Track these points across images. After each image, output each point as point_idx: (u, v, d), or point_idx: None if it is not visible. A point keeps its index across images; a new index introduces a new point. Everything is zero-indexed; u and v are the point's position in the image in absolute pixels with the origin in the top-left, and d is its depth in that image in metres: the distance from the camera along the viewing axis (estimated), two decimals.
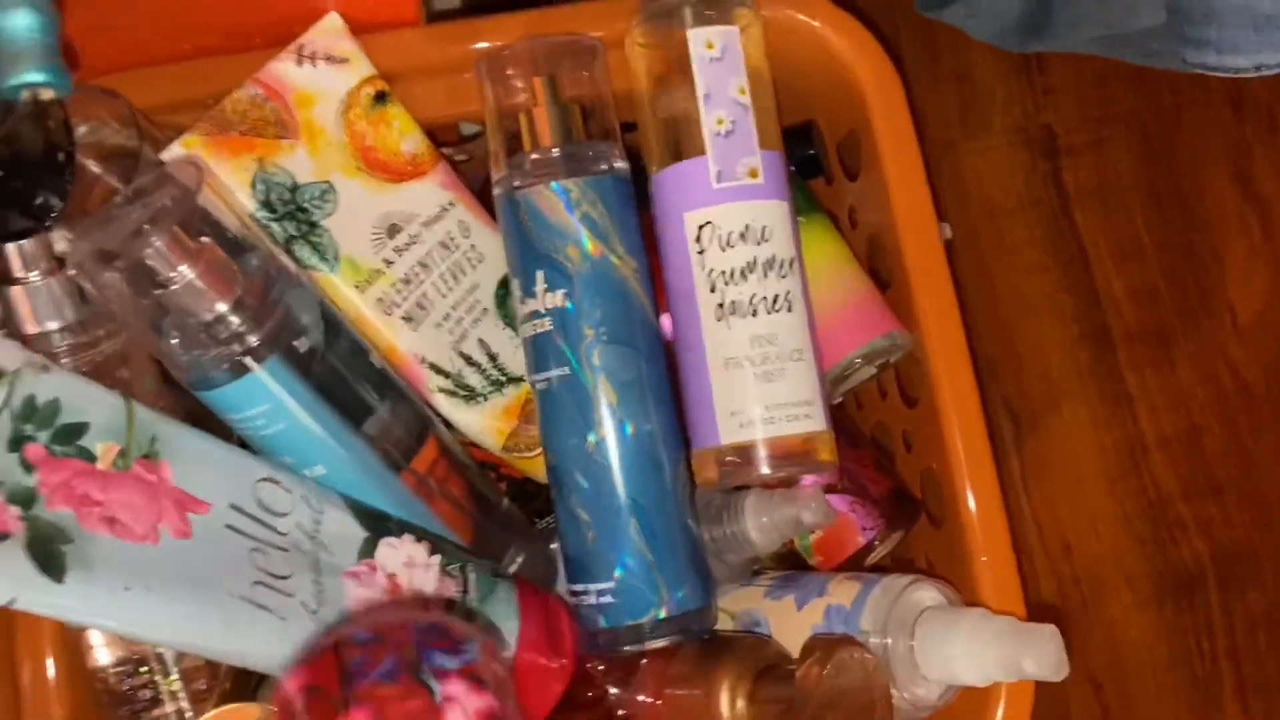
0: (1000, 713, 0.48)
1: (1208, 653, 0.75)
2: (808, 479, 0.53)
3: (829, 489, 0.54)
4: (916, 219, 0.53)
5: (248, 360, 0.44)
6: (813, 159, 0.59)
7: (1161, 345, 0.78)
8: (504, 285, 0.54)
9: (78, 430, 0.41)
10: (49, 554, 0.38)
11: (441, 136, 0.58)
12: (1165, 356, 0.78)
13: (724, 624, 0.53)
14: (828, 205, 0.60)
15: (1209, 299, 0.79)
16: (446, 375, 0.52)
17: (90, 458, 0.40)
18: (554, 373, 0.48)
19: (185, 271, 0.42)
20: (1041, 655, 0.43)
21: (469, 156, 0.60)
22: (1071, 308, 0.79)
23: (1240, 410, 0.78)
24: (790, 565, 0.57)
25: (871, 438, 0.60)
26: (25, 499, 0.39)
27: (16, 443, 0.39)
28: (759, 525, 0.52)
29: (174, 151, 0.48)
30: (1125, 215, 0.80)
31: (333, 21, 0.51)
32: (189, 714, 0.49)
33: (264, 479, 0.44)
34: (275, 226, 0.49)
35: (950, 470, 0.51)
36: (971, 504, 0.51)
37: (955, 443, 0.51)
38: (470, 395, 0.52)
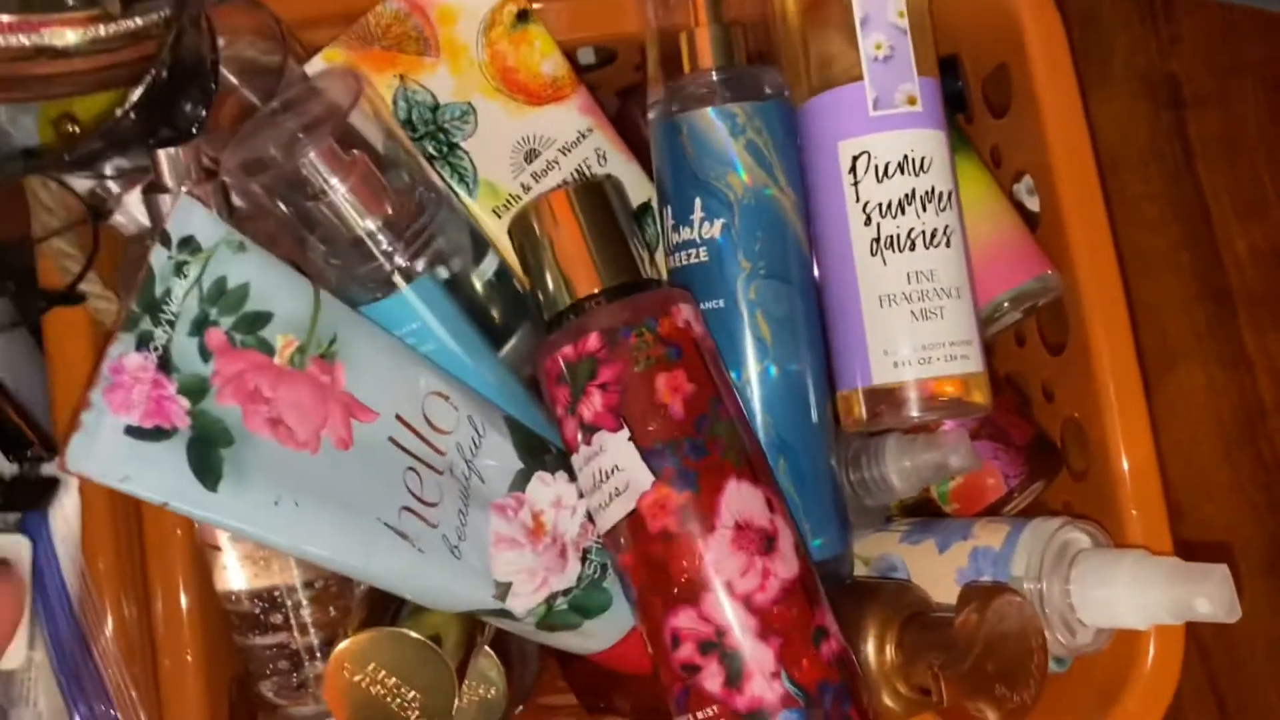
0: (1151, 657, 0.47)
1: None
2: (949, 423, 0.52)
3: (971, 434, 0.52)
4: (1074, 156, 0.51)
5: (396, 279, 0.43)
6: (957, 94, 0.57)
7: None
8: (635, 218, 0.53)
9: (262, 320, 0.40)
10: (207, 459, 0.37)
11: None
12: None
13: (858, 570, 0.51)
14: (977, 143, 0.58)
15: None
16: None
17: (269, 350, 0.39)
18: (706, 305, 0.46)
19: (337, 185, 0.41)
20: (1216, 594, 0.42)
21: (596, 85, 0.58)
22: (1191, 266, 0.76)
23: None
24: (921, 513, 0.55)
25: (1009, 380, 0.58)
26: (197, 390, 0.38)
27: (199, 326, 0.39)
28: (901, 469, 0.50)
29: (316, 65, 0.47)
30: (1251, 171, 0.77)
31: None
32: (317, 642, 0.48)
33: (435, 393, 0.43)
34: (415, 146, 0.48)
35: (1102, 419, 0.49)
36: (1124, 455, 0.49)
37: (1108, 391, 0.49)
38: None
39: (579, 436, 0.43)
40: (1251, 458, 0.74)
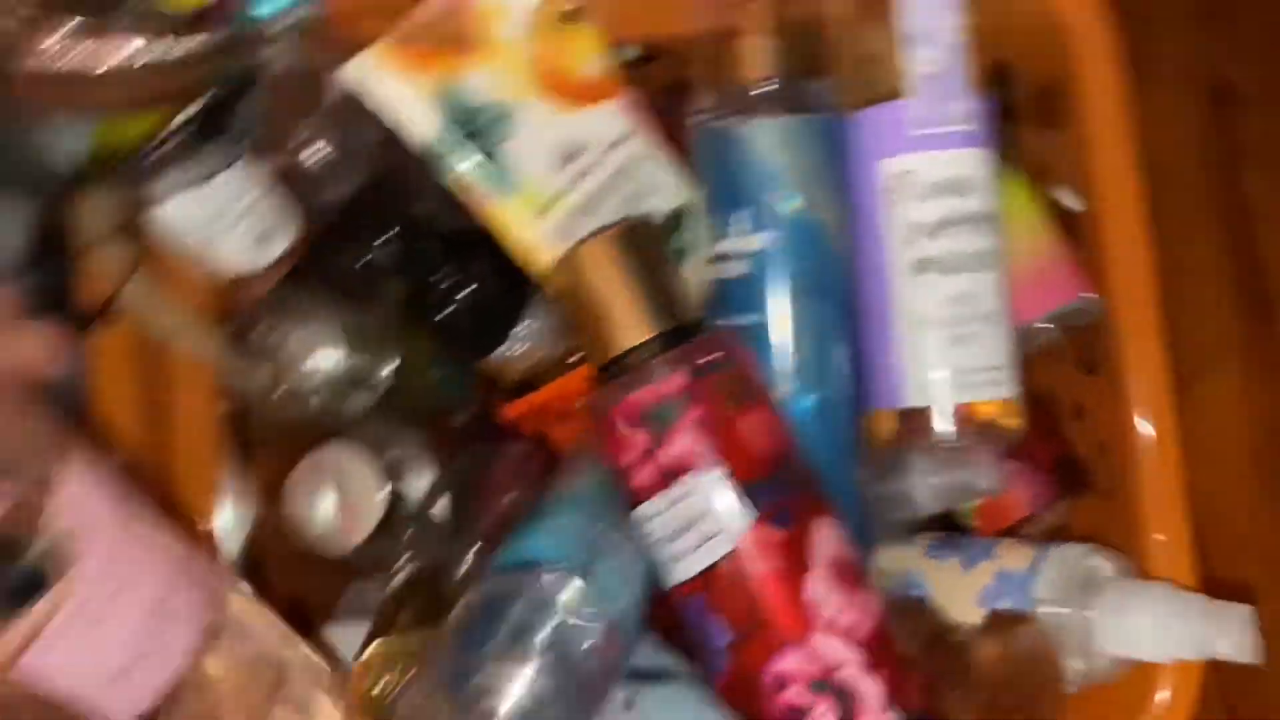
0: (1169, 692, 0.47)
1: None
2: None
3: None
4: (1117, 181, 0.50)
5: None
6: (1006, 102, 0.56)
7: None
8: (674, 219, 0.52)
9: None
10: None
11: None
12: None
13: (880, 584, 0.52)
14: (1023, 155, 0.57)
15: None
16: None
17: None
18: (741, 319, 0.46)
19: None
20: (1237, 636, 0.42)
21: (639, 82, 0.57)
22: (1231, 271, 0.75)
23: None
24: (943, 528, 0.55)
25: (1036, 398, 0.58)
26: None
27: None
28: (926, 486, 0.50)
29: (358, 65, 0.47)
30: None
31: None
32: None
33: None
34: (455, 149, 0.47)
35: (1131, 445, 0.49)
36: (1152, 480, 0.49)
37: (1138, 418, 0.49)
38: None
39: (658, 481, 0.42)
40: None
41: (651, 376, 0.42)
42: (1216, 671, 0.71)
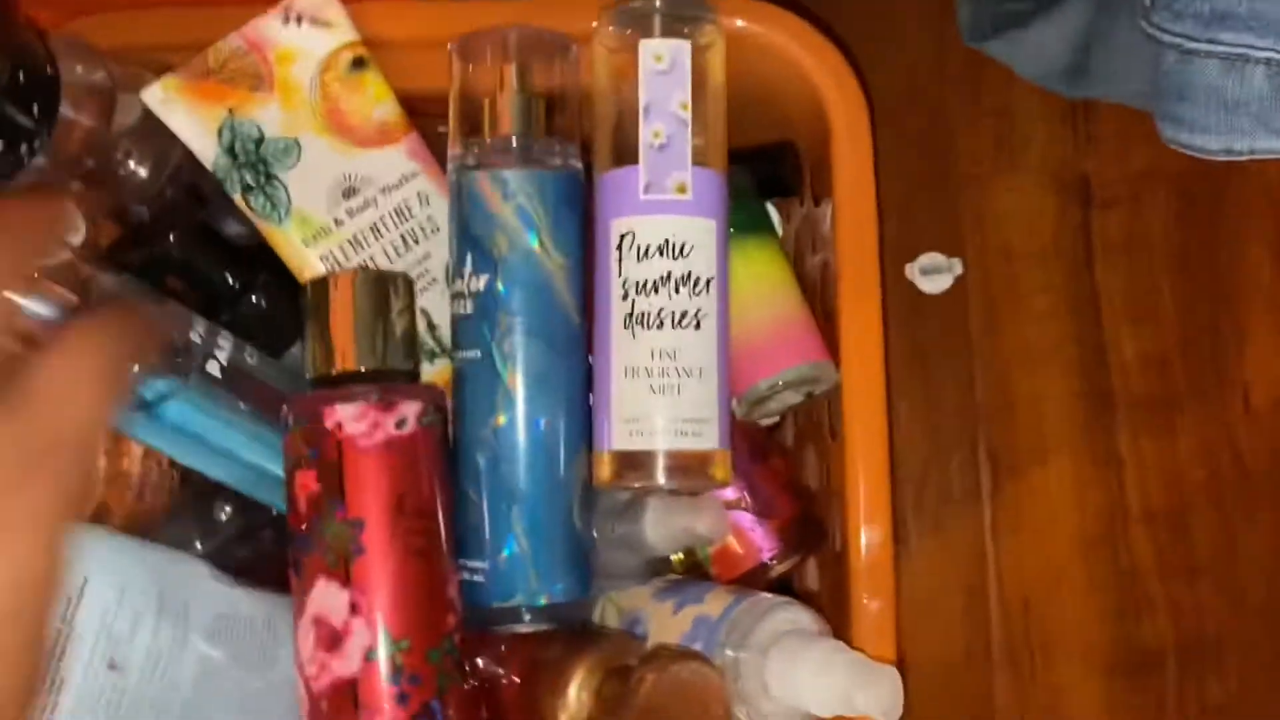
0: None
1: None
2: (729, 491, 0.54)
3: (733, 505, 0.55)
4: (856, 248, 0.53)
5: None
6: (778, 179, 0.59)
7: (1164, 414, 0.76)
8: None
9: None
10: None
11: (432, 108, 0.60)
12: (1166, 427, 0.76)
13: (612, 619, 0.54)
14: (802, 228, 0.60)
15: (1223, 376, 0.76)
16: None
17: None
18: (468, 354, 0.50)
19: None
20: (875, 694, 0.44)
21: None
22: (1077, 362, 0.77)
23: (1236, 495, 0.75)
24: (694, 574, 0.58)
25: (793, 461, 0.60)
26: None
27: None
28: (656, 529, 0.53)
29: (153, 91, 0.52)
30: (1150, 277, 0.77)
31: None
32: None
33: None
34: (234, 174, 0.52)
35: (848, 507, 0.51)
36: (863, 544, 0.51)
37: (857, 480, 0.51)
38: None
39: (303, 499, 0.48)
40: (1108, 559, 0.75)
41: (320, 403, 0.47)
42: None
